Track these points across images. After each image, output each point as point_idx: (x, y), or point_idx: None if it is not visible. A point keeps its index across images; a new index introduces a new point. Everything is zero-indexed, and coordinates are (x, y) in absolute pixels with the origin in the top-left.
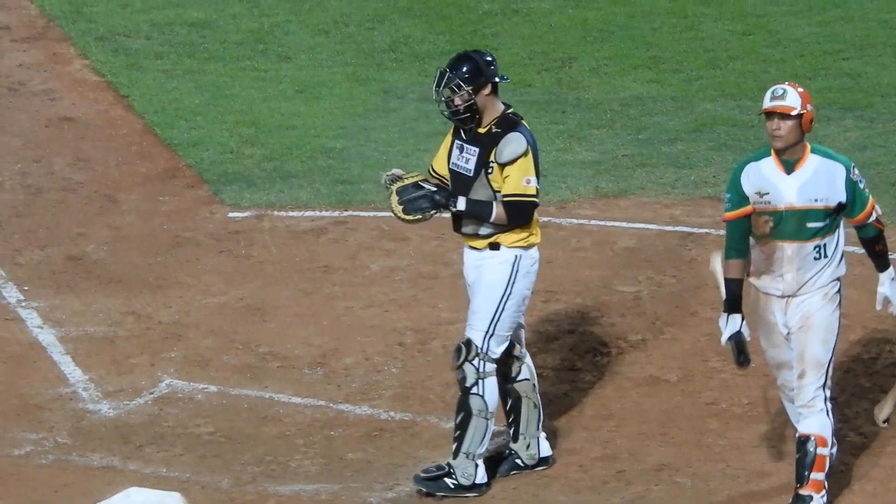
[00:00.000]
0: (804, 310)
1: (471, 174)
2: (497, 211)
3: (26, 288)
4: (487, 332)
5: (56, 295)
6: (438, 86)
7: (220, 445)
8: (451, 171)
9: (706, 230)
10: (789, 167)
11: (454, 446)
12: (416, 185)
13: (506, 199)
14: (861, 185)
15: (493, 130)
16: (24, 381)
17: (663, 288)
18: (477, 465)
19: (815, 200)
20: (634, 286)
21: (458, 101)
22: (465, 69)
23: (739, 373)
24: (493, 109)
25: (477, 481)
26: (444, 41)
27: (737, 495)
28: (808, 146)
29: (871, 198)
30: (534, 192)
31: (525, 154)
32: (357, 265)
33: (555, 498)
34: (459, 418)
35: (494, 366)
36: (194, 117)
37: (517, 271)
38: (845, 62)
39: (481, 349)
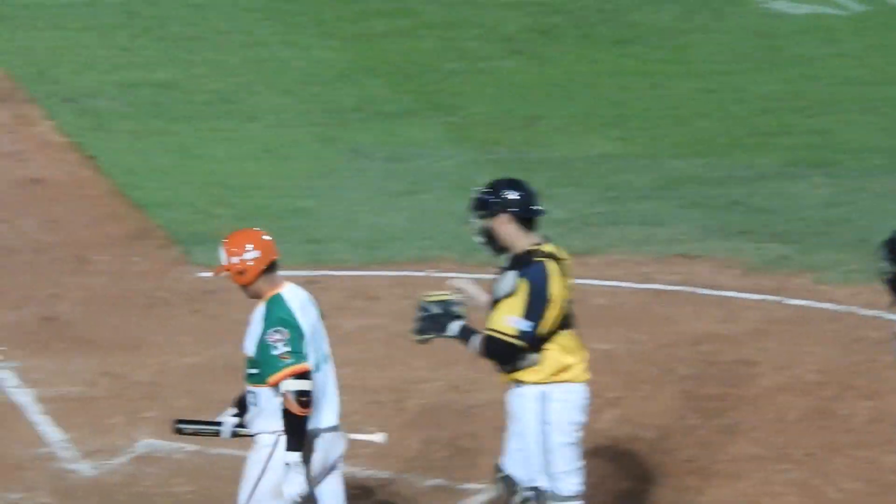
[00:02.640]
0: None
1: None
2: (477, 344)
3: (2, 348)
4: (547, 472)
5: (32, 355)
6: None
7: None
8: None
9: (678, 287)
10: None
11: None
12: (441, 303)
13: (486, 331)
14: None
15: (506, 265)
16: (1, 441)
17: (637, 345)
18: None
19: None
20: (608, 343)
21: (473, 226)
22: (480, 195)
23: (718, 430)
24: (518, 242)
25: None
26: (410, 100)
27: None
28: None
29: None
30: (513, 333)
31: (514, 293)
32: (329, 325)
33: None
34: None
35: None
36: (163, 178)
37: (546, 410)
38: (811, 119)
39: (548, 490)
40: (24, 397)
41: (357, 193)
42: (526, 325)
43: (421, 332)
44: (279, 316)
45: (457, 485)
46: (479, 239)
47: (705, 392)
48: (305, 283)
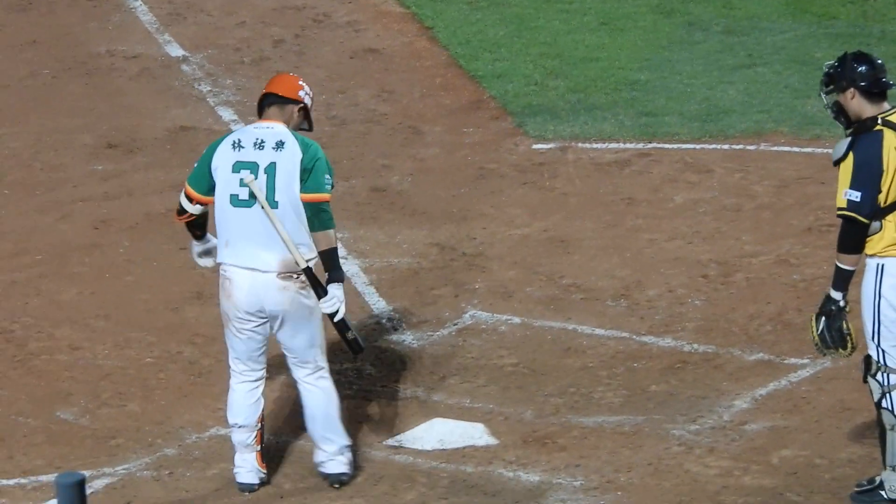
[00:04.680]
0: None
1: None
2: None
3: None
4: (876, 343)
5: (360, 226)
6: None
7: (523, 377)
8: None
9: None
10: None
11: (881, 459)
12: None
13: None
14: None
15: (847, 132)
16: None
17: None
18: None
19: None
20: None
21: (824, 101)
22: (827, 70)
23: None
24: (865, 114)
25: None
26: None
27: None
28: None
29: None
30: (843, 205)
31: (843, 160)
32: (660, 197)
33: None
34: (878, 432)
35: None
36: (498, 49)
37: (881, 282)
38: None
39: (880, 362)
40: (351, 267)
41: (692, 66)
42: (854, 195)
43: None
44: None
45: (781, 359)
46: (830, 113)
47: None
48: (637, 156)
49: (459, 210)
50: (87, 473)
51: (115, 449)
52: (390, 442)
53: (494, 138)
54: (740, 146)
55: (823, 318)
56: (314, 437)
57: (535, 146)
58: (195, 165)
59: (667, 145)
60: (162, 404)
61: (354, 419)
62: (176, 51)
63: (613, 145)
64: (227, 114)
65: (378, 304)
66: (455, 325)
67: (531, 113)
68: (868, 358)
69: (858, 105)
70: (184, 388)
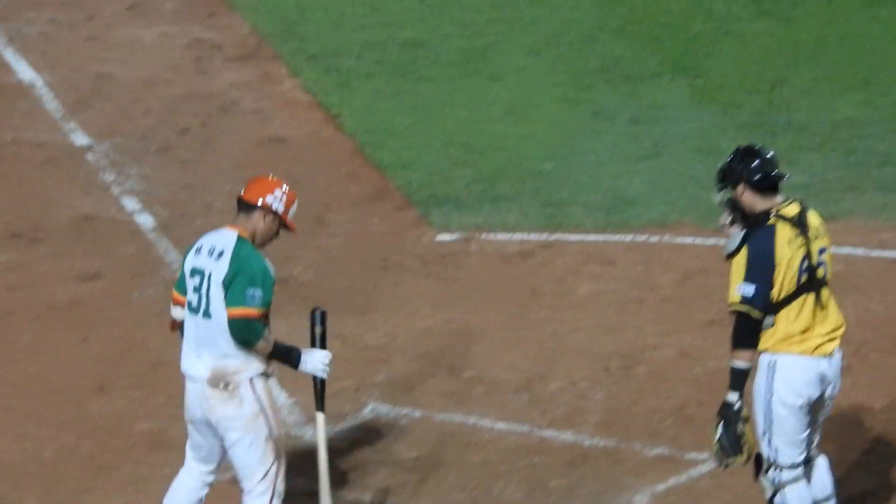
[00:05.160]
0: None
1: None
2: None
3: None
4: (767, 440)
5: None
6: None
7: (423, 471)
8: None
9: None
10: None
11: None
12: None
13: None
14: None
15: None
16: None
17: (869, 314)
18: None
19: None
20: (842, 312)
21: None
22: (720, 166)
23: None
24: (758, 208)
25: None
26: (656, 62)
27: None
28: None
29: None
30: (736, 300)
31: (737, 253)
32: (564, 289)
33: None
34: None
35: (796, 472)
36: (404, 138)
37: (773, 378)
38: None
39: (771, 459)
40: None
41: (597, 156)
42: (748, 289)
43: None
44: None
45: (682, 454)
46: (725, 209)
47: None
48: (541, 247)
49: (363, 301)
50: None
51: None
52: None
53: (399, 229)
54: (644, 237)
55: (721, 424)
56: None
57: (439, 237)
58: None
59: (571, 236)
60: (61, 499)
61: None
62: (81, 139)
63: (518, 236)
64: (130, 203)
65: (278, 396)
66: (355, 418)
67: (436, 203)
68: (759, 456)
69: (750, 200)
70: (83, 482)
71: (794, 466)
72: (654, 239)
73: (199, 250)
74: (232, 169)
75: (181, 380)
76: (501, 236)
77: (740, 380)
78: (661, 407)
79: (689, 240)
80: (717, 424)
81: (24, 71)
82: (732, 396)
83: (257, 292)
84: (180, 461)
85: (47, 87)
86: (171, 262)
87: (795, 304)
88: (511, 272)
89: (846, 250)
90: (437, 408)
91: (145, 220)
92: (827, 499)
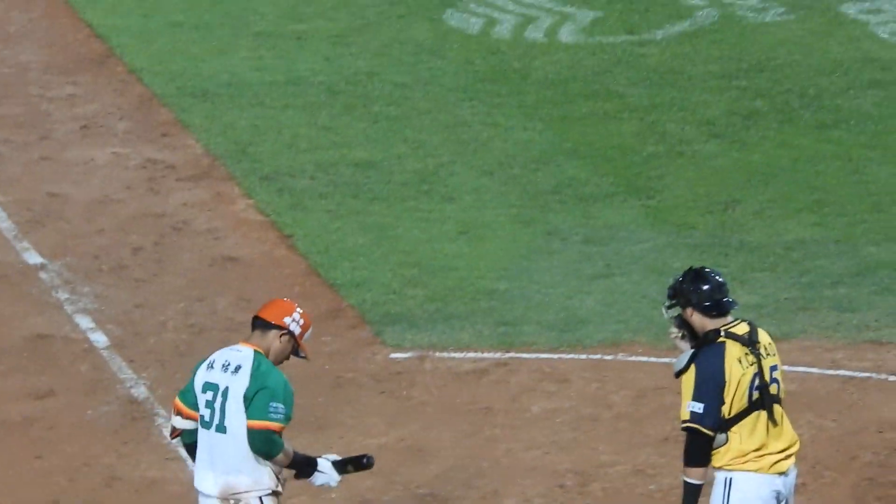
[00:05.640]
0: None
1: None
2: None
3: None
4: None
5: None
6: None
7: None
8: None
9: (868, 374)
10: None
11: None
12: None
13: None
14: None
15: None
16: None
17: (824, 432)
18: None
19: None
20: (795, 430)
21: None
22: (669, 288)
23: None
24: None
25: None
26: (609, 183)
27: None
28: None
29: None
30: (686, 417)
31: (685, 372)
32: (518, 407)
33: None
34: None
35: None
36: (358, 258)
37: (728, 497)
38: None
39: None
40: None
41: (551, 276)
42: (697, 407)
43: None
44: None
45: None
46: (673, 328)
47: (891, 479)
48: (495, 365)
49: (317, 419)
50: None
51: None
52: None
53: (352, 347)
54: (598, 356)
55: None
56: None
57: (392, 355)
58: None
59: (525, 355)
60: None
61: None
62: (34, 258)
63: (471, 354)
64: (84, 322)
65: None
66: None
67: (389, 322)
68: None
69: (700, 321)
70: None
71: None
72: (608, 357)
73: (211, 365)
74: (185, 287)
75: (136, 496)
76: (455, 354)
77: (695, 496)
78: None
79: (642, 358)
80: None
81: None
82: None
83: (280, 407)
84: None
85: (0, 207)
86: (125, 380)
87: (748, 421)
88: (465, 390)
89: (800, 369)
90: None
91: (99, 339)
92: None
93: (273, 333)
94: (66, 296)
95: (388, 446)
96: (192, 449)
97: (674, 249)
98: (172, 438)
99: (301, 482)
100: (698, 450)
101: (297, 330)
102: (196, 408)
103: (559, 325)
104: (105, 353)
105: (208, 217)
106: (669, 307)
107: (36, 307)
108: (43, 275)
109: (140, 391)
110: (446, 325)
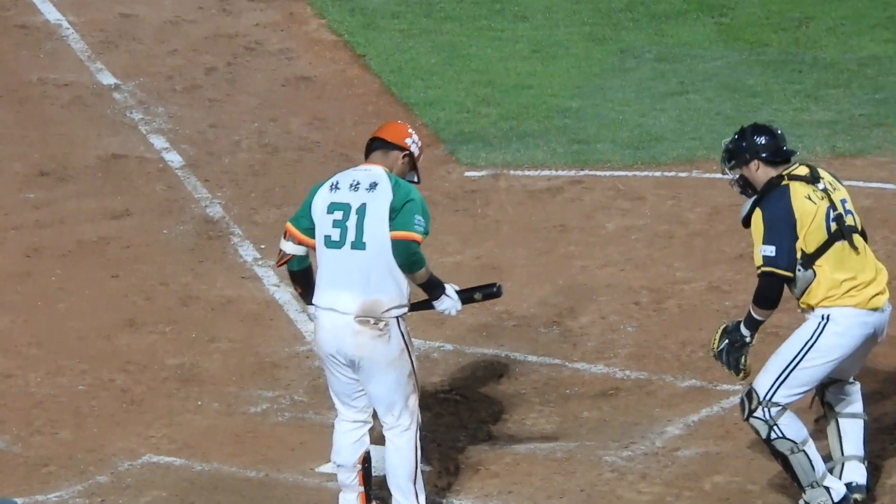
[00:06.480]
0: None
1: None
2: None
3: (263, 246)
4: (774, 380)
5: None
6: None
7: (455, 404)
8: None
9: None
10: None
11: (796, 485)
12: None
13: None
14: None
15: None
16: (260, 339)
17: None
18: (828, 488)
19: None
20: (871, 246)
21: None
22: (728, 146)
23: None
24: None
25: (836, 500)
26: (681, 0)
27: None
28: None
29: None
30: (759, 262)
31: (751, 218)
32: (593, 224)
33: None
34: (780, 462)
35: (782, 405)
36: (430, 77)
37: (821, 333)
38: None
39: (762, 398)
40: (283, 295)
41: (624, 93)
42: (769, 251)
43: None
44: None
45: (714, 386)
46: (736, 188)
47: None
48: (569, 183)
49: None
50: (19, 501)
51: (48, 476)
52: (323, 469)
53: (427, 166)
54: (672, 173)
55: (727, 342)
56: (389, 487)
57: (467, 174)
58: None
59: (599, 172)
60: (94, 432)
61: (287, 446)
62: (108, 79)
63: (546, 172)
64: (159, 142)
65: (310, 330)
66: None
67: (463, 140)
68: (749, 394)
69: (764, 174)
70: (116, 415)
71: (781, 406)
72: (683, 174)
73: (334, 186)
74: (258, 108)
75: (212, 315)
76: (530, 172)
77: (757, 326)
78: (691, 340)
79: (717, 175)
80: (722, 341)
81: (50, 11)
82: (746, 331)
83: (422, 220)
84: (211, 395)
85: (72, 28)
86: (200, 200)
87: (831, 253)
88: (539, 208)
89: (874, 185)
90: (468, 342)
91: (173, 159)
92: (856, 416)
93: (395, 154)
94: (140, 116)
95: (464, 264)
96: (300, 276)
97: (747, 67)
98: (279, 265)
99: None
100: (772, 293)
101: (416, 151)
102: (310, 233)
103: (633, 142)
104: (180, 173)
105: (281, 37)
106: (732, 168)
107: (111, 128)
108: (117, 95)
109: (215, 210)
110: (520, 144)
